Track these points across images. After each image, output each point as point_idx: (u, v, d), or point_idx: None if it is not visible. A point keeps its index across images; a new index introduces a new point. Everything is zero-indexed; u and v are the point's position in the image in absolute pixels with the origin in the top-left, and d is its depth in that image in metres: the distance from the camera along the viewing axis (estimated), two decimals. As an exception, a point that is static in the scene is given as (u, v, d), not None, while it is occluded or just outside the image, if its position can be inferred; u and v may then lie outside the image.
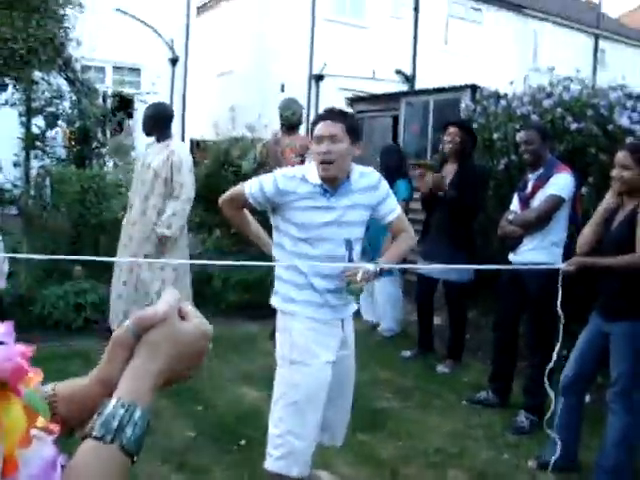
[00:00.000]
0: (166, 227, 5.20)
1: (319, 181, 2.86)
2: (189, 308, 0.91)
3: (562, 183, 4.29)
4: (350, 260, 2.90)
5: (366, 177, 2.96)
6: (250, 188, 2.94)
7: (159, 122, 5.38)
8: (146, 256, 5.25)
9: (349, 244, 2.87)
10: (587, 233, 3.63)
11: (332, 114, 2.93)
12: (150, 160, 5.32)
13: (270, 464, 2.86)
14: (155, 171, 5.25)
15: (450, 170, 5.37)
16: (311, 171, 2.90)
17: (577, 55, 20.33)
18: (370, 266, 2.87)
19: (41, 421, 0.75)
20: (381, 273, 3.02)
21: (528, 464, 3.81)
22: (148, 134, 5.44)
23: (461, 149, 5.31)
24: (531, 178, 4.48)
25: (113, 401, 0.78)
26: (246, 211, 3.11)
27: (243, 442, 3.89)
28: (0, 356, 0.71)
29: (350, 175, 2.92)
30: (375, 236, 5.29)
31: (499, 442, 4.13)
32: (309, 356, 2.86)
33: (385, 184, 3.03)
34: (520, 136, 4.55)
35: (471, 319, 6.40)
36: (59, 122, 7.86)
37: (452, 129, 5.35)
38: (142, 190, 5.32)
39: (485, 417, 4.52)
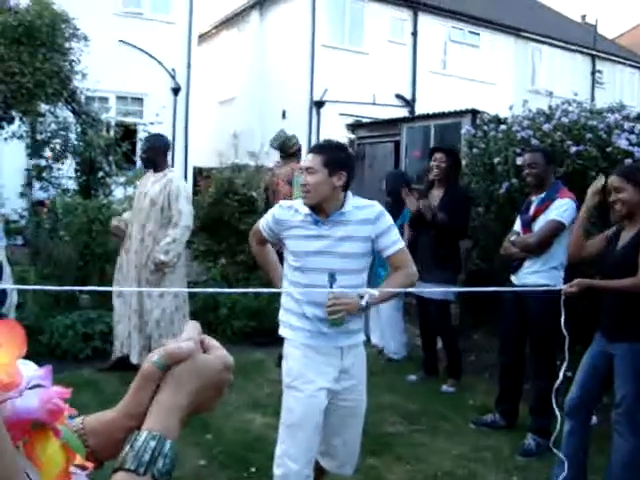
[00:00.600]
0: (163, 253, 5.20)
1: (308, 210, 2.99)
2: (211, 341, 0.94)
3: (564, 209, 4.33)
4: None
5: (364, 209, 3.02)
6: (262, 221, 3.19)
7: (158, 153, 5.49)
8: (147, 283, 5.30)
9: (332, 276, 2.91)
10: (577, 234, 3.75)
11: (316, 147, 3.14)
12: (147, 189, 5.40)
13: None
14: (152, 199, 5.31)
15: (437, 194, 5.58)
16: (299, 203, 3.07)
17: (575, 76, 20.52)
18: (353, 297, 2.93)
19: (78, 458, 0.80)
20: (367, 307, 3.02)
21: (537, 486, 3.83)
22: (147, 165, 5.54)
23: (447, 174, 5.51)
24: (534, 201, 4.53)
25: (144, 434, 0.81)
26: (269, 246, 3.34)
27: (253, 469, 3.92)
28: (39, 399, 0.76)
29: (344, 205, 3.00)
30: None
31: (508, 465, 4.15)
32: (302, 382, 2.96)
33: (386, 218, 3.05)
34: (524, 158, 4.61)
35: (477, 341, 6.44)
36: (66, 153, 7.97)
37: (438, 155, 5.55)
38: (139, 219, 5.39)
39: (493, 440, 4.54)
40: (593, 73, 22.21)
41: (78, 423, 0.92)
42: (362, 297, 2.95)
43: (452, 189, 5.54)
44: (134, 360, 5.35)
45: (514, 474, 4.02)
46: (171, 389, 0.87)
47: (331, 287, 2.91)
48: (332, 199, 2.99)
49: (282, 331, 3.12)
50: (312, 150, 3.11)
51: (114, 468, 0.80)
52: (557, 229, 4.33)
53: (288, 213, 3.05)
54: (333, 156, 3.01)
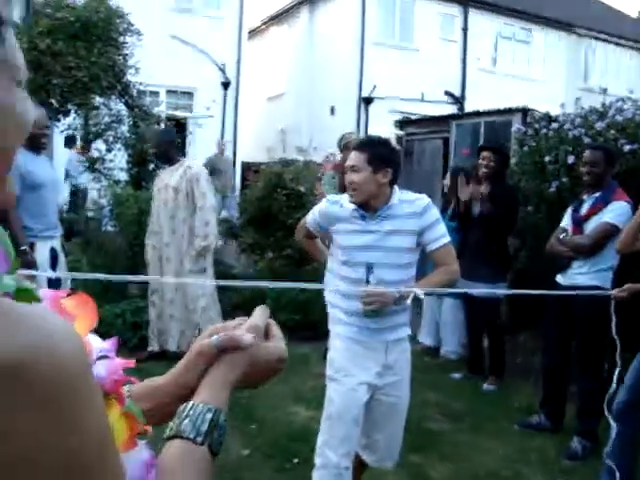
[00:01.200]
0: (202, 239, 5.45)
1: (354, 206, 3.02)
2: (276, 329, 0.99)
3: (619, 212, 4.23)
4: (367, 284, 2.97)
5: (410, 203, 3.01)
6: (309, 216, 3.27)
7: (168, 146, 5.66)
8: (190, 272, 5.50)
9: (369, 268, 2.95)
10: (628, 232, 3.67)
11: (360, 144, 3.14)
12: (167, 181, 5.55)
13: (312, 473, 3.04)
14: (175, 188, 5.48)
15: (484, 191, 5.50)
16: (345, 199, 3.11)
17: (630, 73, 20.04)
18: (389, 292, 2.92)
19: (139, 426, 0.82)
20: (402, 299, 2.99)
21: (583, 490, 3.78)
22: (161, 161, 5.67)
23: (495, 172, 5.46)
24: (587, 200, 4.44)
25: (200, 405, 0.85)
26: (317, 240, 3.44)
27: (296, 460, 3.95)
28: (106, 369, 0.79)
29: (390, 200, 3.01)
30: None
31: (553, 467, 4.10)
32: (343, 374, 3.01)
33: (433, 212, 3.03)
34: (585, 156, 4.50)
35: (523, 342, 6.36)
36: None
37: (486, 153, 5.51)
38: (166, 212, 5.55)
39: (538, 441, 4.49)
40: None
41: (126, 391, 0.93)
42: (398, 290, 2.94)
43: (500, 186, 5.50)
44: (173, 347, 5.60)
45: (559, 477, 3.97)
46: (227, 367, 0.91)
47: (368, 279, 2.95)
48: (379, 195, 3.00)
49: (329, 325, 3.19)
50: (355, 148, 3.10)
51: (168, 435, 0.83)
52: (611, 232, 4.23)
53: (335, 208, 3.08)
54: (377, 153, 3.01)
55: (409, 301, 2.96)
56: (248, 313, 1.05)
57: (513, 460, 4.16)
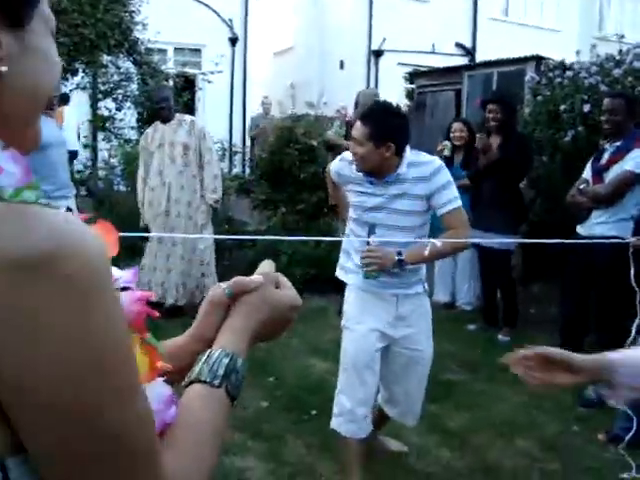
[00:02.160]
0: (212, 192, 5.65)
1: (363, 175, 3.05)
2: (284, 279, 1.01)
3: None
4: (368, 244, 2.99)
5: (418, 167, 2.97)
6: (331, 165, 3.35)
7: (171, 101, 5.72)
8: (202, 226, 5.69)
9: (372, 227, 2.97)
10: None
11: (363, 116, 3.03)
12: (171, 139, 5.58)
13: (331, 421, 3.11)
14: (184, 145, 5.57)
15: (495, 142, 5.47)
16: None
17: (645, 21, 19.61)
18: (389, 252, 2.92)
19: (160, 360, 0.84)
20: (403, 264, 2.97)
21: (598, 437, 3.81)
22: (168, 116, 5.64)
23: (504, 122, 5.37)
24: (608, 149, 4.37)
25: (218, 351, 0.87)
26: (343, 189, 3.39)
27: (314, 412, 4.00)
28: (126, 301, 0.80)
29: (399, 166, 2.96)
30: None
31: (568, 415, 4.13)
32: (354, 322, 3.06)
33: (443, 175, 2.96)
34: (605, 104, 4.41)
35: (537, 293, 6.37)
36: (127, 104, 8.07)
37: (492, 106, 5.43)
38: (174, 168, 5.60)
39: (553, 390, 4.50)
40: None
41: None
42: (399, 253, 2.91)
43: (510, 135, 5.43)
44: (171, 300, 5.69)
45: (575, 424, 4.01)
46: (244, 314, 0.93)
47: (369, 236, 2.97)
48: (384, 166, 2.96)
49: (339, 274, 3.25)
50: (361, 118, 3.01)
51: (186, 381, 0.85)
52: (632, 180, 4.18)
53: (347, 167, 3.12)
54: (379, 126, 2.93)
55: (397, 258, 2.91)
56: None
57: (529, 407, 4.20)
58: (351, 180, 3.11)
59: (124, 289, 0.83)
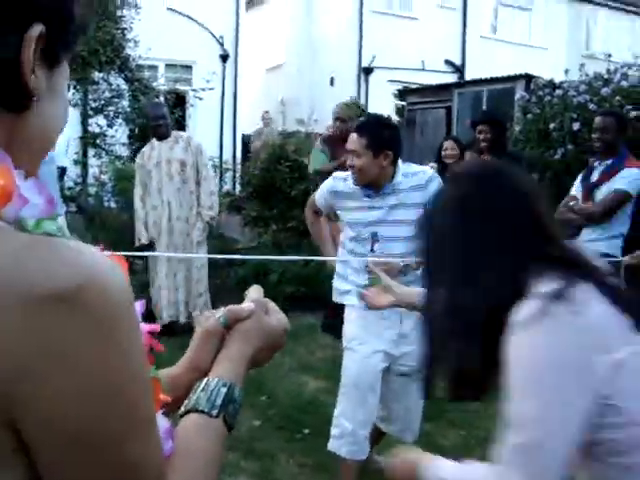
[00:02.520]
0: (209, 209, 5.62)
1: (360, 188, 3.07)
2: (272, 305, 1.02)
3: (631, 179, 4.18)
4: (372, 252, 3.04)
5: (414, 177, 3.04)
6: (318, 192, 3.29)
7: (167, 119, 5.68)
8: (198, 243, 5.67)
9: (374, 235, 3.01)
10: None
11: (359, 128, 3.09)
12: (168, 156, 5.55)
13: (329, 443, 3.07)
14: (181, 161, 5.55)
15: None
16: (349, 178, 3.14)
17: (634, 39, 19.82)
18: (394, 262, 2.96)
19: (162, 393, 0.84)
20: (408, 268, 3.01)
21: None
22: (165, 133, 5.60)
23: (494, 142, 5.37)
24: (598, 167, 4.39)
25: (215, 380, 0.86)
26: (322, 219, 3.45)
27: (306, 431, 3.98)
28: None
29: (394, 176, 3.02)
30: None
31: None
32: (357, 343, 3.04)
33: (438, 182, 3.01)
34: (597, 122, 4.43)
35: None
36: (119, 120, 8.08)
37: (482, 127, 5.43)
38: (172, 185, 5.57)
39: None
40: (653, 35, 21.42)
41: None
42: (402, 261, 2.97)
43: (501, 155, 5.44)
44: (182, 319, 5.69)
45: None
46: (240, 342, 0.94)
47: (372, 246, 3.02)
48: (381, 176, 3.02)
49: (338, 299, 3.22)
50: (357, 130, 3.07)
51: (183, 411, 0.84)
52: (624, 199, 4.19)
53: (342, 184, 3.12)
54: (376, 136, 2.99)
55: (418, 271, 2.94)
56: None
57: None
58: (347, 196, 3.10)
59: None
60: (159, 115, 5.60)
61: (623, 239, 4.30)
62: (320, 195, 3.26)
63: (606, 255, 4.10)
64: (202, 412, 0.82)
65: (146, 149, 5.76)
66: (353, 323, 3.09)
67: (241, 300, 1.01)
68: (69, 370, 0.59)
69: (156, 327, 0.86)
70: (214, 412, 0.82)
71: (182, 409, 0.85)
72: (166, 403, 0.85)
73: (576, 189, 4.56)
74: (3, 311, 0.57)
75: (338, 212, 3.24)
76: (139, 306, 0.86)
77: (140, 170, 5.74)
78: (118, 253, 0.96)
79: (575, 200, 4.50)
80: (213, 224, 5.80)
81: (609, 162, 4.31)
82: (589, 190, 4.39)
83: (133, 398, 0.64)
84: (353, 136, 3.03)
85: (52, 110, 0.73)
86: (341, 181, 3.12)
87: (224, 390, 0.85)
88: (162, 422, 0.78)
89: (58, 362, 0.58)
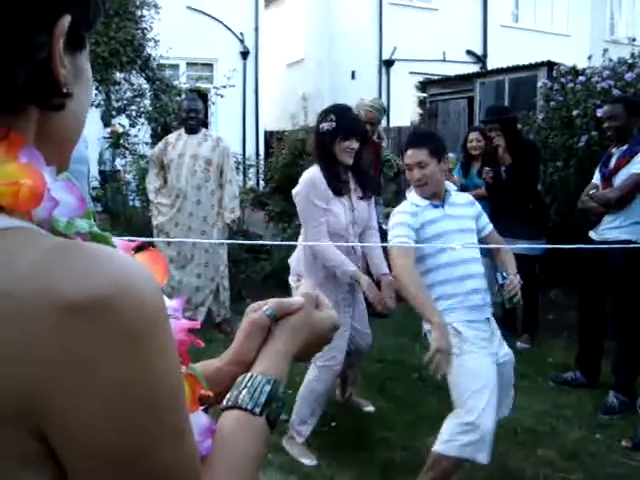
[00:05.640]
0: (231, 212, 5.59)
1: (425, 201, 3.16)
2: (324, 299, 0.99)
3: None
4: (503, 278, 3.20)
5: (461, 194, 3.34)
6: (399, 238, 3.10)
7: (200, 114, 5.66)
8: (217, 243, 5.63)
9: (465, 259, 3.13)
10: None
11: (415, 140, 3.25)
12: (194, 151, 5.52)
13: (455, 450, 2.87)
14: (207, 160, 5.52)
15: (505, 156, 5.48)
16: (414, 197, 3.21)
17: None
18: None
19: (201, 389, 0.83)
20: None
21: (622, 444, 3.77)
22: (197, 127, 5.61)
23: (507, 137, 5.40)
24: (615, 153, 4.36)
25: (259, 377, 0.84)
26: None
27: (334, 424, 4.00)
28: (172, 328, 0.79)
29: (448, 189, 3.25)
30: None
31: (590, 422, 4.09)
32: (478, 347, 3.00)
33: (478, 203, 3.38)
34: (604, 110, 4.43)
35: (555, 299, 6.33)
36: (141, 120, 8.13)
37: (491, 126, 5.47)
38: (193, 181, 5.53)
39: (574, 397, 4.48)
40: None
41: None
42: (507, 273, 3.20)
43: (516, 146, 5.40)
44: (201, 318, 5.53)
45: (597, 431, 3.96)
46: (287, 337, 0.91)
47: (500, 276, 3.19)
48: (442, 183, 3.22)
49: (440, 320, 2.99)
50: (413, 144, 3.19)
51: (225, 406, 0.83)
52: None
53: (411, 216, 3.13)
54: (434, 144, 3.20)
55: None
56: (279, 282, 1.06)
57: (549, 416, 4.16)
58: (423, 217, 3.12)
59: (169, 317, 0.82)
60: (193, 108, 5.57)
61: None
62: (403, 235, 3.08)
63: (629, 242, 4.06)
64: (245, 409, 0.81)
65: (172, 137, 5.72)
66: (463, 332, 3.01)
67: (268, 295, 0.99)
68: (95, 382, 0.57)
69: (196, 324, 0.84)
70: (257, 410, 0.81)
71: (224, 403, 0.83)
72: (209, 397, 0.84)
73: (596, 177, 4.52)
74: (29, 320, 0.55)
75: (422, 237, 3.14)
76: (178, 303, 0.85)
77: (160, 153, 5.68)
78: (141, 239, 0.95)
79: (596, 188, 4.46)
80: (234, 227, 5.81)
81: (624, 148, 4.27)
82: (607, 177, 4.36)
83: (168, 411, 0.62)
84: (411, 152, 3.15)
85: (79, 96, 0.70)
86: (408, 215, 3.13)
87: (268, 388, 0.83)
88: (202, 420, 0.78)
89: (84, 373, 0.56)
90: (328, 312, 0.97)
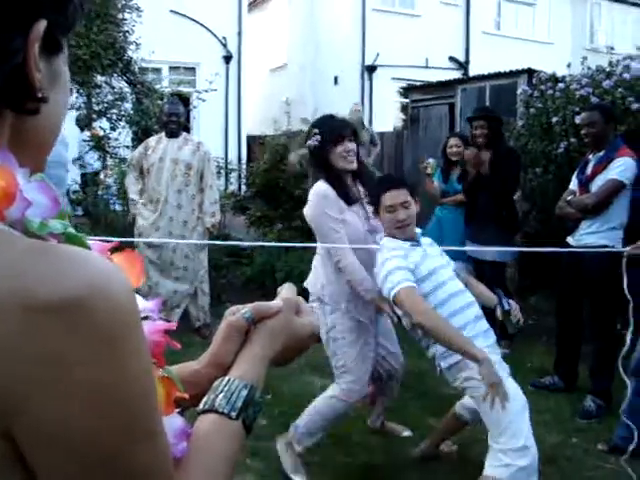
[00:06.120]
0: (211, 216, 5.60)
1: (406, 242, 3.16)
2: (305, 305, 0.99)
3: (623, 167, 4.21)
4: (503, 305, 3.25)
5: (423, 237, 3.34)
6: (404, 283, 2.97)
7: (181, 117, 5.67)
8: (197, 247, 5.67)
9: (455, 291, 3.17)
10: None
11: (394, 181, 3.36)
12: (175, 155, 5.52)
13: (510, 475, 2.81)
14: (187, 164, 5.52)
15: (485, 157, 5.45)
16: (391, 241, 3.19)
17: (636, 32, 19.74)
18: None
19: (177, 391, 0.82)
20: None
21: (598, 447, 3.80)
22: (177, 131, 5.61)
23: (491, 137, 5.37)
24: (592, 160, 4.42)
25: (237, 381, 0.84)
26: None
27: (312, 429, 3.98)
28: (148, 329, 0.78)
29: (417, 231, 3.31)
30: None
31: (567, 426, 4.13)
32: (505, 375, 2.96)
33: None
34: (582, 117, 4.49)
35: (534, 304, 6.37)
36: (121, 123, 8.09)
37: (477, 122, 5.45)
38: (173, 185, 5.53)
39: (552, 402, 4.51)
40: (657, 27, 21.29)
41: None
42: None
43: (498, 150, 5.43)
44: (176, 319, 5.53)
45: (574, 436, 4.00)
46: (265, 341, 0.91)
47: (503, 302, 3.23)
48: None
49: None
50: (396, 186, 3.22)
51: (201, 409, 0.83)
52: (616, 188, 4.22)
53: (403, 258, 3.08)
54: (408, 184, 3.29)
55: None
56: (259, 287, 1.05)
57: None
58: (412, 258, 3.10)
59: (145, 318, 0.81)
60: (174, 112, 5.58)
61: (623, 230, 4.30)
62: (407, 279, 2.98)
63: (606, 246, 4.10)
64: (221, 413, 0.81)
65: (152, 140, 5.70)
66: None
67: (248, 299, 0.99)
68: (68, 383, 0.56)
69: (172, 325, 0.83)
70: (233, 414, 0.81)
71: (201, 406, 0.83)
72: (185, 399, 0.84)
73: (573, 184, 4.57)
74: (2, 319, 0.55)
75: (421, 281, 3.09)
76: (154, 304, 0.85)
77: (139, 156, 5.67)
78: (117, 239, 0.94)
79: (573, 194, 4.51)
80: (214, 232, 5.80)
81: (601, 154, 4.33)
82: (585, 183, 4.42)
83: (140, 412, 0.62)
84: (395, 192, 3.16)
85: (55, 100, 0.69)
86: (403, 252, 3.10)
87: (245, 392, 0.83)
88: (177, 422, 0.78)
89: (57, 374, 0.56)
90: (309, 318, 0.97)
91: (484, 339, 3.06)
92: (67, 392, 0.57)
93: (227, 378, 0.85)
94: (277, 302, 0.95)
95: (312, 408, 3.42)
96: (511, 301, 3.24)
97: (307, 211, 3.37)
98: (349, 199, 3.32)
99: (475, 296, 3.23)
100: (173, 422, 0.76)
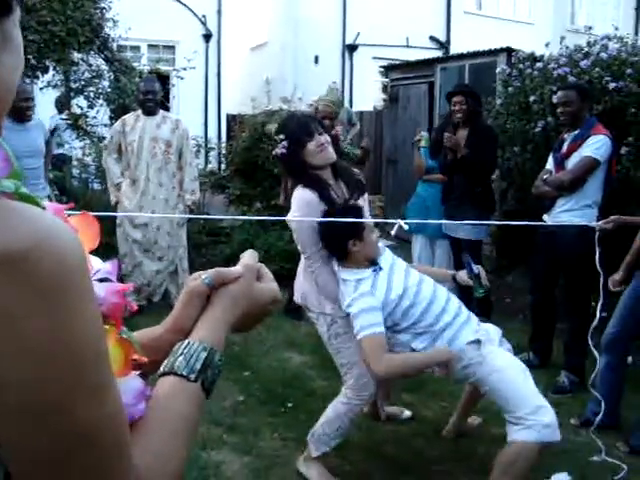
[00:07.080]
0: (191, 194, 5.65)
1: (367, 271, 3.06)
2: (266, 271, 1.00)
3: (598, 145, 4.25)
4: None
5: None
6: (373, 328, 2.95)
7: (157, 95, 5.63)
8: (178, 224, 5.73)
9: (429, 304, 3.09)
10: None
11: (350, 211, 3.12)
12: (154, 134, 5.50)
13: (536, 434, 2.78)
14: (167, 142, 5.53)
15: (462, 135, 5.43)
16: (349, 273, 3.08)
17: (617, 13, 19.79)
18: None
19: (135, 353, 0.83)
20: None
21: (571, 422, 3.86)
22: (154, 109, 5.58)
23: (469, 114, 5.36)
24: (567, 138, 4.46)
25: (196, 344, 0.85)
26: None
27: (290, 405, 4.03)
28: (105, 290, 0.79)
29: None
30: None
31: (541, 401, 4.18)
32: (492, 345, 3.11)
33: None
34: (558, 96, 4.52)
35: (511, 283, 6.43)
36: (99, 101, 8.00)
37: (457, 98, 5.42)
38: (154, 164, 5.54)
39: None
40: (637, 9, 21.35)
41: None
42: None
43: (476, 127, 5.42)
44: (157, 299, 5.76)
45: (548, 410, 4.05)
46: (225, 305, 0.92)
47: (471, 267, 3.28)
48: None
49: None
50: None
51: (161, 372, 0.84)
52: (591, 165, 4.25)
53: (371, 290, 3.00)
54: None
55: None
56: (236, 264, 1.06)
57: (503, 396, 4.23)
58: (379, 291, 3.03)
59: (103, 280, 0.82)
60: (150, 90, 5.54)
61: (598, 208, 4.35)
62: (380, 324, 2.95)
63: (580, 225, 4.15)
64: (180, 375, 0.82)
65: (129, 118, 5.64)
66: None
67: None
68: (13, 332, 0.56)
69: (128, 286, 0.84)
70: (192, 376, 0.82)
71: (161, 369, 0.84)
72: (145, 363, 0.84)
73: (549, 163, 4.60)
74: None
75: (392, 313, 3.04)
76: (112, 266, 0.85)
77: (118, 135, 5.62)
78: (95, 214, 0.94)
79: (549, 173, 4.54)
80: (194, 209, 5.82)
81: (576, 132, 4.37)
82: (560, 161, 4.45)
83: (85, 365, 0.61)
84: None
85: (6, 62, 0.67)
86: (370, 296, 2.99)
87: (204, 355, 0.84)
88: (136, 383, 0.78)
89: (2, 324, 0.56)
90: (270, 284, 0.98)
91: (470, 327, 3.08)
92: (12, 341, 0.56)
93: (187, 341, 0.86)
94: (238, 268, 0.95)
95: (327, 414, 3.28)
96: (478, 266, 3.32)
97: (292, 222, 3.17)
98: (332, 201, 3.12)
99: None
100: (132, 383, 0.77)
